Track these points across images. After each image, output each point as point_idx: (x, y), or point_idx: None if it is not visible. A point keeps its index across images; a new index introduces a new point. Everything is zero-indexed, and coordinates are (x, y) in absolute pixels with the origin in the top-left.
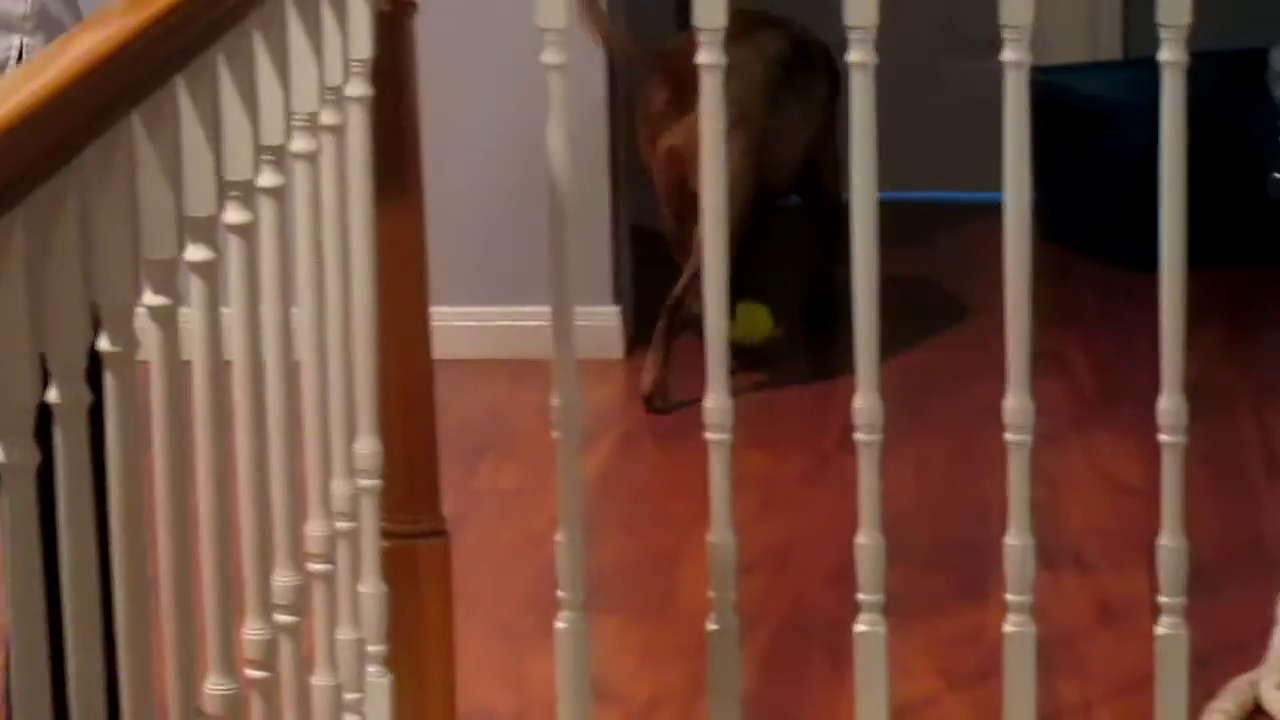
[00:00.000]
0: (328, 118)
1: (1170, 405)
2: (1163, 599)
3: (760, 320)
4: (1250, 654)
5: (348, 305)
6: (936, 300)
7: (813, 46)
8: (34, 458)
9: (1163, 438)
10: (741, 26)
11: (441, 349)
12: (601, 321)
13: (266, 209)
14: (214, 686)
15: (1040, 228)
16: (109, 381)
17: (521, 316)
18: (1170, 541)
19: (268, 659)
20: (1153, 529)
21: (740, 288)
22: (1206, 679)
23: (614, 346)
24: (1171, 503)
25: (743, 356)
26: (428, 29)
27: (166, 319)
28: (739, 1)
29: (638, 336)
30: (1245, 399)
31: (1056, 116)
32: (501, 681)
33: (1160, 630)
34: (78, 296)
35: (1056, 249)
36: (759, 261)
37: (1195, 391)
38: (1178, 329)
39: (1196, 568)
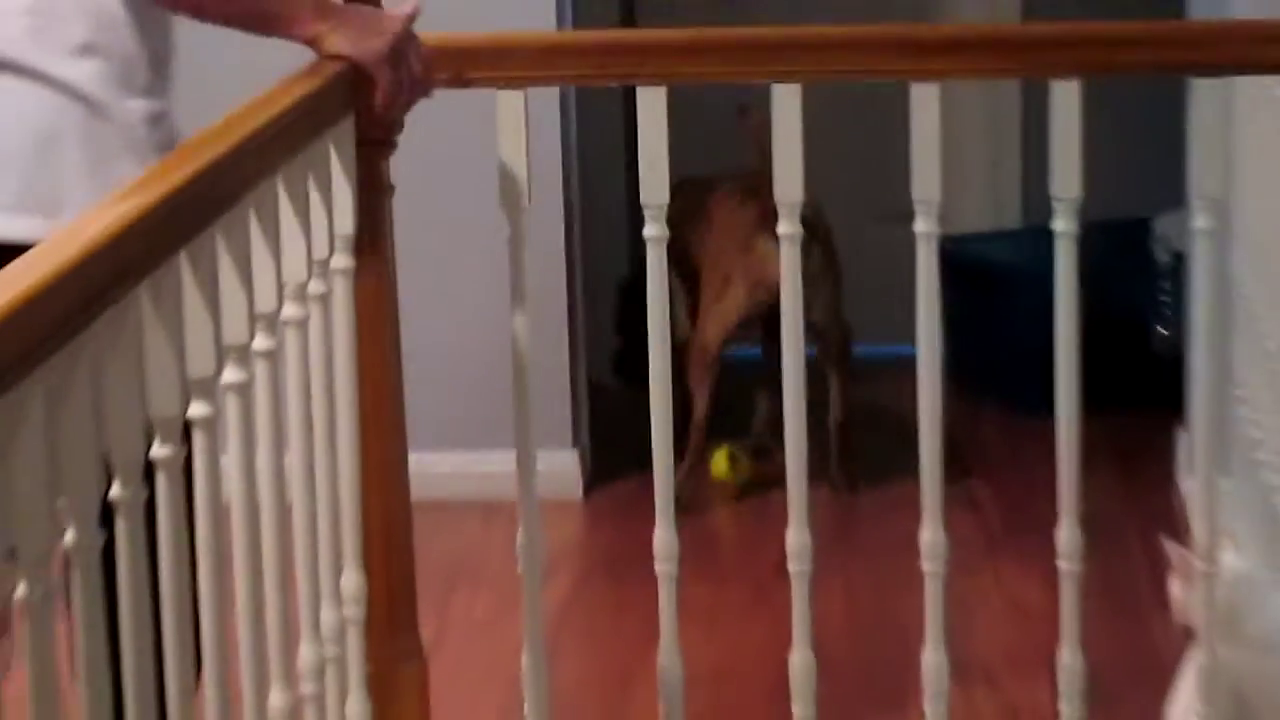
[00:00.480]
0: (315, 287)
1: (1067, 536)
2: (1063, 709)
3: (740, 463)
4: None
5: (334, 453)
6: (861, 440)
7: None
8: (53, 592)
9: (1061, 565)
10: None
11: (419, 491)
12: (562, 466)
13: (260, 369)
14: None
15: (952, 378)
16: (119, 525)
17: (490, 462)
18: (1069, 658)
19: None
20: (1054, 646)
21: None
22: None
23: (573, 488)
24: (1069, 623)
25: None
26: (403, 207)
27: (172, 467)
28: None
29: (595, 479)
30: (1135, 528)
31: (966, 279)
32: None
33: None
34: (91, 448)
35: (967, 397)
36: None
37: (1090, 522)
38: (1073, 467)
39: (1093, 681)
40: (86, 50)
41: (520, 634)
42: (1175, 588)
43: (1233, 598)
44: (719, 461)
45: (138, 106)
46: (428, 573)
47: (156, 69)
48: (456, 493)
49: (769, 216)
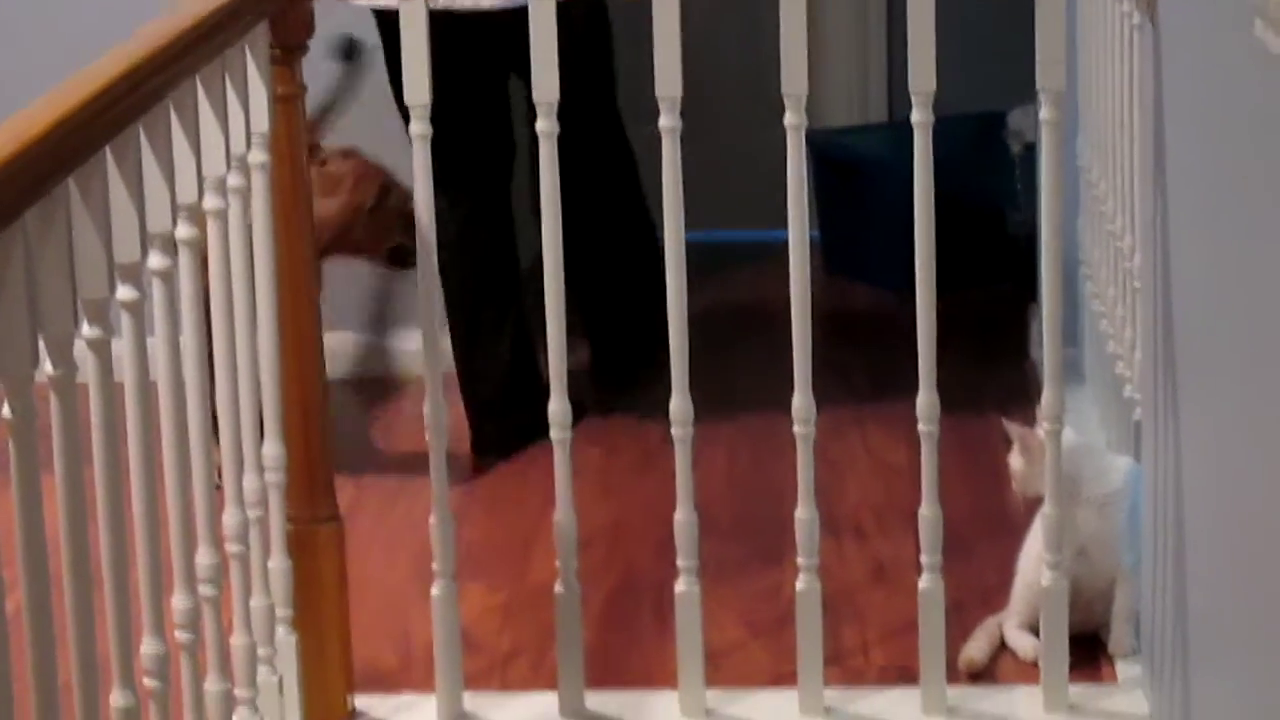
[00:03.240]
0: (234, 180)
1: (925, 400)
2: (924, 559)
3: None
4: (995, 601)
5: (254, 334)
6: (741, 320)
7: None
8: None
9: (920, 427)
10: None
11: (335, 369)
12: None
13: (184, 256)
14: (147, 648)
15: (825, 261)
16: (53, 401)
17: (402, 341)
18: (928, 512)
19: (193, 624)
20: (916, 502)
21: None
22: (961, 622)
23: None
24: (929, 480)
25: None
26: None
27: (101, 347)
28: None
29: None
30: (991, 394)
31: (837, 170)
32: (388, 638)
33: (922, 584)
34: (26, 330)
35: (838, 278)
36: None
37: (950, 389)
38: (930, 338)
39: (951, 533)
40: None
41: (429, 497)
42: (1014, 462)
43: (1071, 464)
44: None
45: None
46: (345, 442)
47: None
48: (370, 369)
49: None
